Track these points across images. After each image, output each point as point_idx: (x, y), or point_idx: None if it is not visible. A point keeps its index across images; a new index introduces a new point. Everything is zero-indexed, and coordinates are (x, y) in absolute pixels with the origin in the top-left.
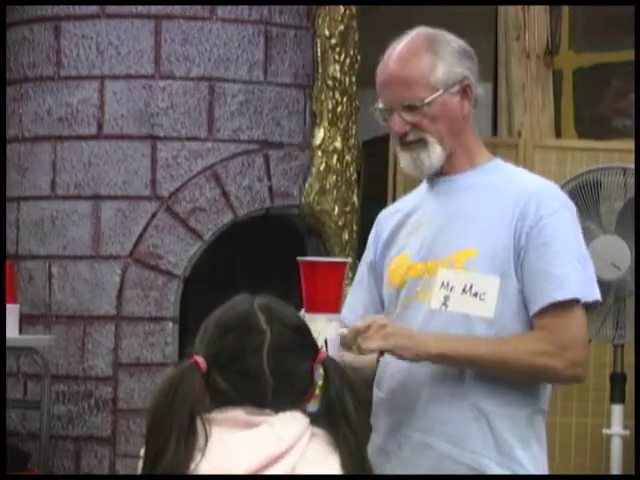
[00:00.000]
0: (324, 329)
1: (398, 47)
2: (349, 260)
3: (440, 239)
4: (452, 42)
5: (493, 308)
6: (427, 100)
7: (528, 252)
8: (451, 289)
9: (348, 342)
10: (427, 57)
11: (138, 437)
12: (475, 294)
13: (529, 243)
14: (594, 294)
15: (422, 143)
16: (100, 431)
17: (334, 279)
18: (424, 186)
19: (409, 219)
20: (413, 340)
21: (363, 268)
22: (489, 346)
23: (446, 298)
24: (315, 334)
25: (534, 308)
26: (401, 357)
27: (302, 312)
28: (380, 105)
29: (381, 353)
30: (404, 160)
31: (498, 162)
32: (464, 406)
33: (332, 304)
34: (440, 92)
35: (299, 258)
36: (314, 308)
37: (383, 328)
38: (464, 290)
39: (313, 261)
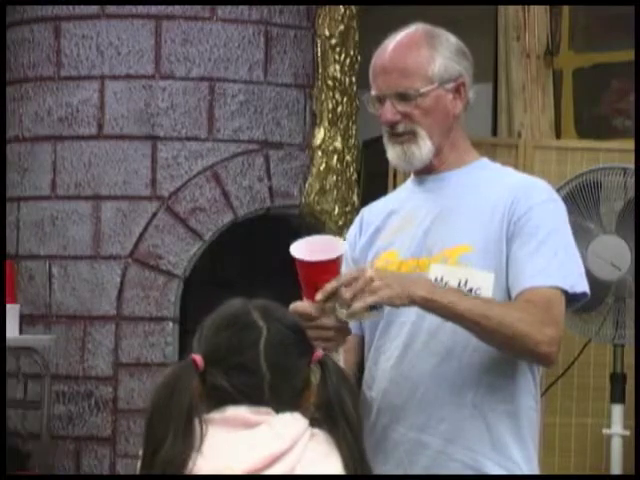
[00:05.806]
0: None
1: (397, 38)
2: (343, 248)
3: (431, 236)
4: (450, 39)
5: None
6: (422, 90)
7: (515, 240)
8: (445, 284)
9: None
10: (426, 49)
11: (138, 437)
12: (470, 289)
13: (516, 232)
14: (580, 285)
15: (412, 136)
16: (100, 431)
17: (332, 274)
18: (410, 184)
19: (396, 216)
20: (402, 287)
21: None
22: (476, 302)
23: None
24: None
25: (514, 292)
26: (394, 306)
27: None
28: (373, 92)
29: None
30: (394, 153)
31: (485, 161)
32: (460, 403)
33: None
34: (435, 85)
35: (295, 256)
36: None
37: (370, 282)
38: (459, 285)
39: (310, 262)
